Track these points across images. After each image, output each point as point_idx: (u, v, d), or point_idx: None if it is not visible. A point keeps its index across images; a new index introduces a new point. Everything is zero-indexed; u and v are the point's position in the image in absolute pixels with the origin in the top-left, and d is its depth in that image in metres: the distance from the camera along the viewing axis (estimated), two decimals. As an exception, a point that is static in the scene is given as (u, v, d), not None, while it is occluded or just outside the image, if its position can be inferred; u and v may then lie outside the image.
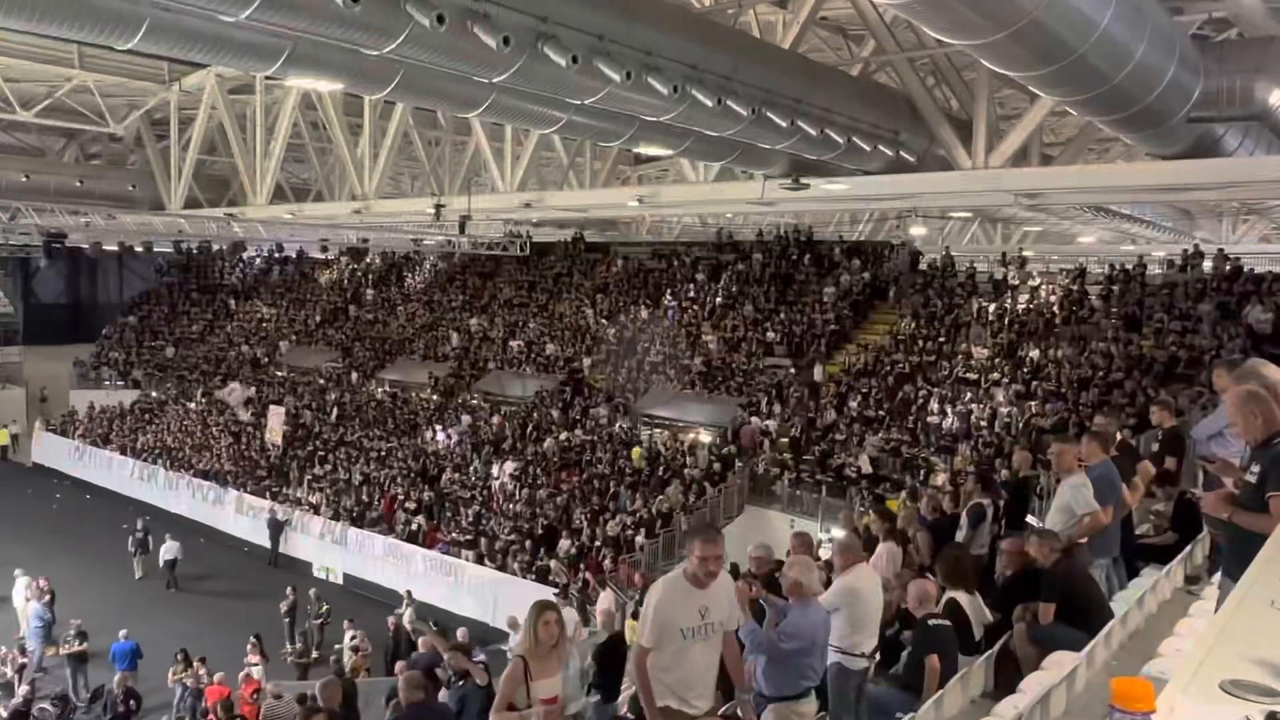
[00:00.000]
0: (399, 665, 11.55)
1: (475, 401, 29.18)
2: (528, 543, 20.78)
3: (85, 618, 17.51)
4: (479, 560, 21.13)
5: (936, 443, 20.03)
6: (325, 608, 18.92)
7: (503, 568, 20.68)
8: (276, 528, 24.70)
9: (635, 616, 15.02)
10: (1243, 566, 2.73)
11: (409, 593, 19.21)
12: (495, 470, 24.51)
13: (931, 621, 5.99)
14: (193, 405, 33.76)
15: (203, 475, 28.66)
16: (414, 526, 23.06)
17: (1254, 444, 4.02)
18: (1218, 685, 1.72)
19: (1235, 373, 4.58)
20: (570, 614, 16.08)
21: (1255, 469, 3.91)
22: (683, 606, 4.50)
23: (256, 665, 15.25)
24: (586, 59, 10.65)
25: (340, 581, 23.40)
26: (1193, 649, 2.04)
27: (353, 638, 16.60)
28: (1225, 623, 1.97)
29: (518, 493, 23.15)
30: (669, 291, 29.66)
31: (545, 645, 5.01)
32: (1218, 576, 4.78)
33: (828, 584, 6.43)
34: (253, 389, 33.67)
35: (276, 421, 28.87)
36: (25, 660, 16.61)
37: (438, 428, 27.76)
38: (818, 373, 23.92)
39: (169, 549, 22.71)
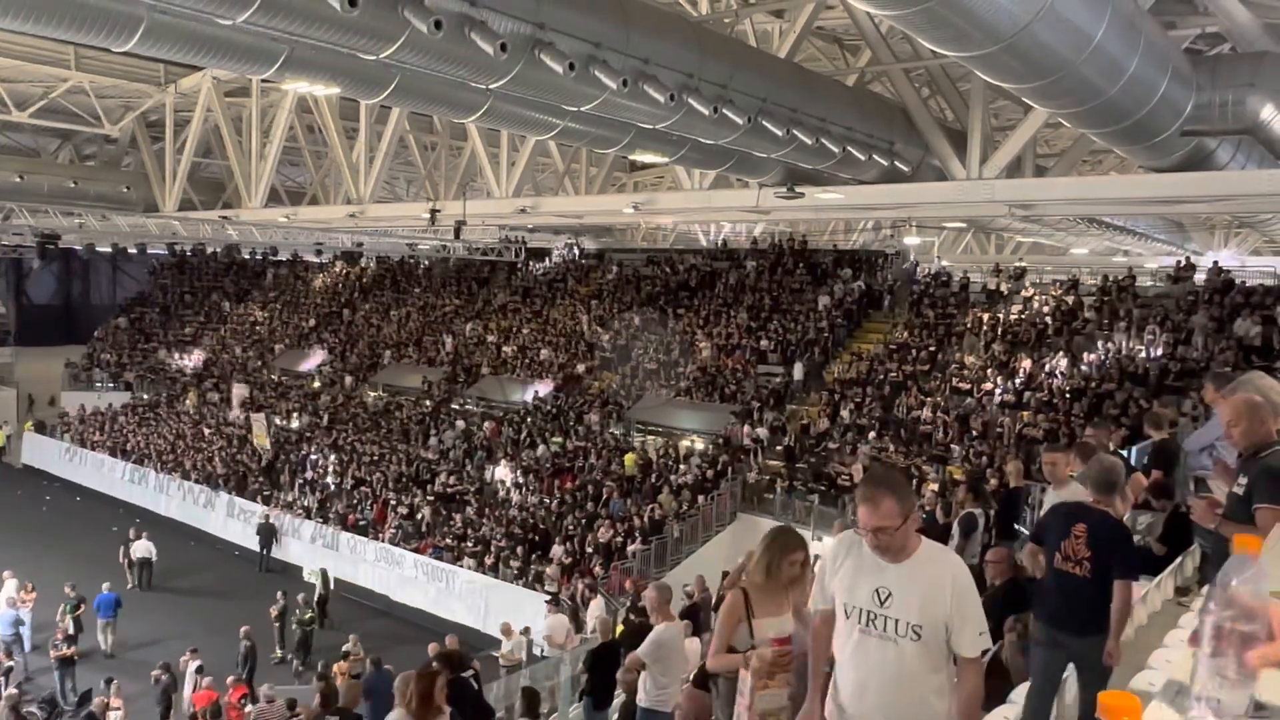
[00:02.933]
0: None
1: (469, 407, 29.16)
2: (519, 548, 20.75)
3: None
4: (477, 566, 21.09)
5: (929, 452, 20.07)
6: (310, 614, 18.87)
7: (495, 572, 20.67)
8: (268, 533, 24.60)
9: (626, 624, 15.02)
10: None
11: (527, 630, 16.88)
12: (488, 475, 24.49)
13: None
14: (189, 405, 33.75)
15: (194, 478, 28.57)
16: (419, 520, 23.04)
17: (1244, 456, 4.05)
18: (1188, 710, 1.73)
19: (1234, 383, 4.62)
20: (561, 620, 16.10)
21: (1243, 480, 3.94)
22: (852, 573, 3.24)
23: (117, 710, 14.20)
24: (583, 66, 10.67)
25: (331, 586, 23.31)
26: (1182, 661, 2.05)
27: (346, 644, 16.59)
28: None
29: (510, 498, 23.13)
30: (663, 298, 29.71)
31: (779, 581, 4.04)
32: (1207, 588, 4.78)
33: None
34: (247, 389, 33.64)
35: (260, 427, 28.81)
36: (12, 664, 16.53)
37: (432, 432, 27.73)
38: (797, 370, 24.09)
39: (141, 548, 22.61)
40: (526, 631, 16.88)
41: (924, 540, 3.22)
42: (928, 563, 3.18)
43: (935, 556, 3.24)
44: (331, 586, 21.59)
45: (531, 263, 33.23)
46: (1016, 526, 8.37)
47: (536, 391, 28.09)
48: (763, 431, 22.57)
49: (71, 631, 17.12)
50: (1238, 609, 1.59)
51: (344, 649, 16.50)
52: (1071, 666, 4.57)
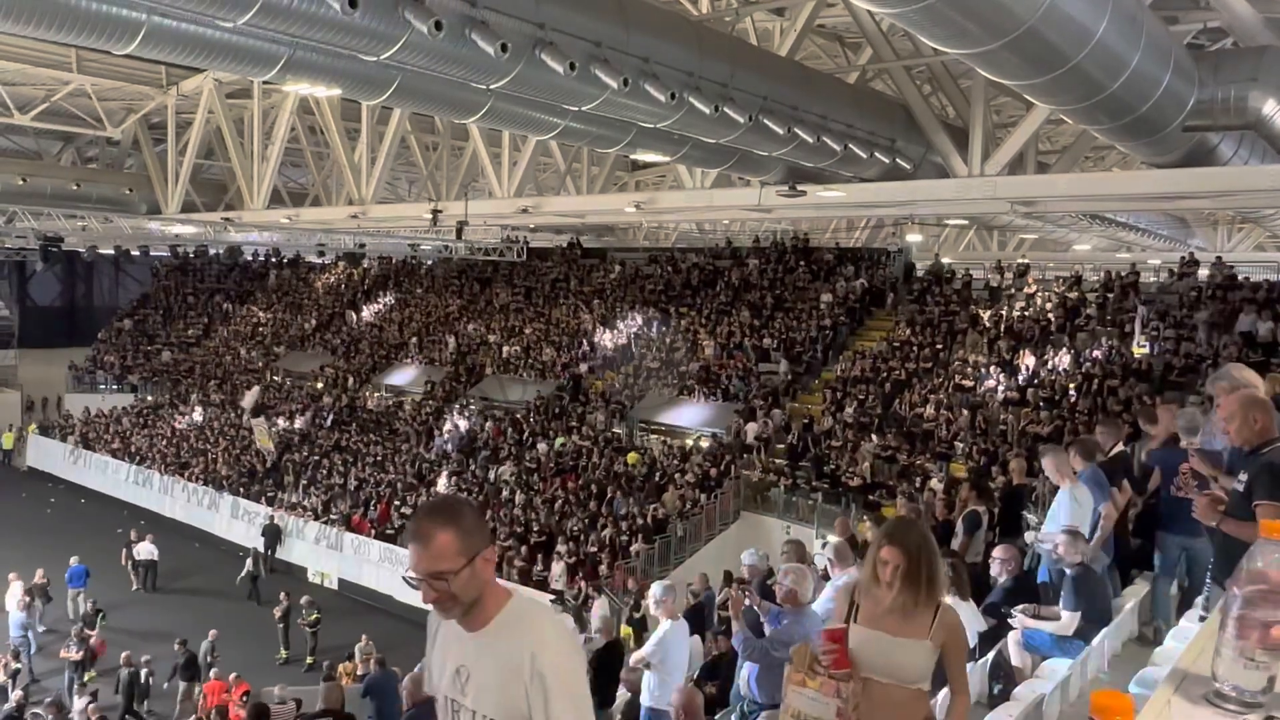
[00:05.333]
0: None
1: (472, 407, 29.17)
2: (523, 548, 20.76)
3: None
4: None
5: (932, 449, 20.05)
6: (314, 615, 18.86)
7: (499, 572, 20.64)
8: (273, 534, 24.60)
9: (630, 622, 15.04)
10: (1230, 573, 2.73)
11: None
12: (491, 476, 24.49)
13: None
14: (196, 414, 33.67)
15: (198, 479, 28.60)
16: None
17: (1244, 451, 4.04)
18: (1203, 696, 1.74)
19: (1213, 376, 4.65)
20: (565, 620, 16.11)
21: (1243, 477, 3.93)
22: (441, 645, 2.47)
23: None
24: (584, 66, 10.67)
25: (335, 587, 23.35)
26: (1180, 658, 2.05)
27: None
28: (1213, 632, 1.98)
29: (514, 498, 23.13)
30: (665, 296, 29.70)
31: (874, 583, 3.35)
32: (1209, 584, 4.80)
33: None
34: (257, 390, 33.58)
35: (261, 431, 28.83)
36: (19, 666, 16.57)
37: (436, 432, 27.74)
38: (783, 366, 24.24)
39: (144, 550, 22.67)
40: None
41: (515, 597, 2.36)
42: (508, 630, 2.29)
43: (519, 621, 2.31)
44: (263, 571, 22.73)
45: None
46: (1028, 515, 8.36)
47: (539, 390, 28.10)
48: (772, 419, 22.51)
49: (90, 639, 17.09)
50: (1264, 588, 1.61)
51: (357, 647, 16.51)
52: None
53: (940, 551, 6.95)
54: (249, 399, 32.27)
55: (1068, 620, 5.87)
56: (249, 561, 22.78)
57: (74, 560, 20.58)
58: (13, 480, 33.13)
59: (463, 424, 27.64)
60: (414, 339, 34.08)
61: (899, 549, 3.28)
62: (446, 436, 27.30)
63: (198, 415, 33.63)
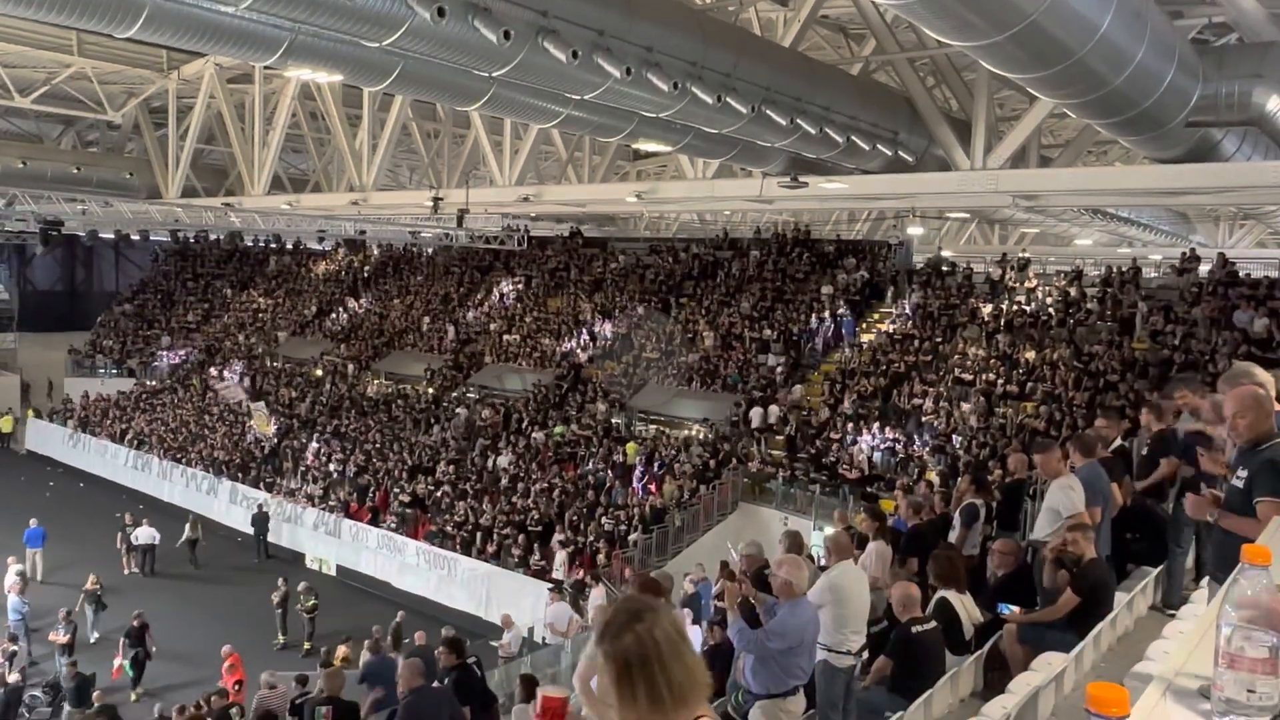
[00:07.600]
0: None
1: (471, 395, 29.17)
2: (521, 536, 20.80)
3: (75, 605, 17.53)
4: (479, 553, 21.10)
5: (931, 442, 20.07)
6: (312, 601, 18.87)
7: (497, 560, 20.71)
8: (262, 521, 24.56)
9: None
10: (1228, 570, 2.74)
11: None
12: (490, 464, 24.51)
13: (915, 629, 5.96)
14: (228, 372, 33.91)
15: (198, 464, 28.63)
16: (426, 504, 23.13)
17: (1243, 448, 4.03)
18: (1198, 690, 1.74)
19: (1227, 374, 4.64)
20: (564, 609, 16.17)
21: (1242, 473, 3.91)
22: None
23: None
24: (587, 54, 10.66)
25: (333, 573, 23.39)
26: (1175, 653, 2.06)
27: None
28: (1208, 627, 1.99)
29: (515, 486, 23.16)
30: (665, 287, 29.66)
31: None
32: (1205, 580, 4.81)
33: (820, 583, 6.43)
34: (246, 380, 33.60)
35: (261, 416, 28.82)
36: (16, 649, 16.59)
37: (434, 420, 27.75)
38: (771, 359, 24.33)
39: (144, 534, 22.70)
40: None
41: None
42: None
43: None
44: (200, 534, 23.57)
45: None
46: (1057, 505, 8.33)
47: (539, 379, 28.11)
48: (774, 410, 22.53)
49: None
50: (1256, 617, 1.60)
51: (373, 631, 16.43)
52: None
53: (941, 544, 6.81)
54: (258, 416, 31.58)
55: (1065, 600, 5.87)
56: (187, 527, 23.38)
57: (33, 522, 21.19)
58: (11, 463, 33.15)
59: (462, 412, 27.66)
60: (424, 320, 34.04)
61: (605, 654, 2.02)
62: (446, 424, 27.32)
63: (229, 373, 33.72)
